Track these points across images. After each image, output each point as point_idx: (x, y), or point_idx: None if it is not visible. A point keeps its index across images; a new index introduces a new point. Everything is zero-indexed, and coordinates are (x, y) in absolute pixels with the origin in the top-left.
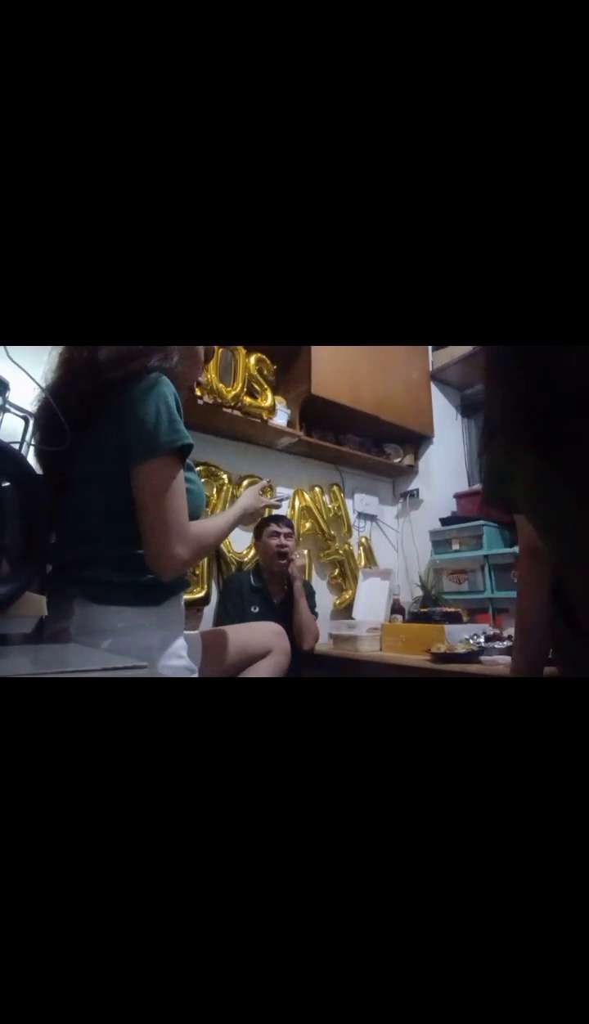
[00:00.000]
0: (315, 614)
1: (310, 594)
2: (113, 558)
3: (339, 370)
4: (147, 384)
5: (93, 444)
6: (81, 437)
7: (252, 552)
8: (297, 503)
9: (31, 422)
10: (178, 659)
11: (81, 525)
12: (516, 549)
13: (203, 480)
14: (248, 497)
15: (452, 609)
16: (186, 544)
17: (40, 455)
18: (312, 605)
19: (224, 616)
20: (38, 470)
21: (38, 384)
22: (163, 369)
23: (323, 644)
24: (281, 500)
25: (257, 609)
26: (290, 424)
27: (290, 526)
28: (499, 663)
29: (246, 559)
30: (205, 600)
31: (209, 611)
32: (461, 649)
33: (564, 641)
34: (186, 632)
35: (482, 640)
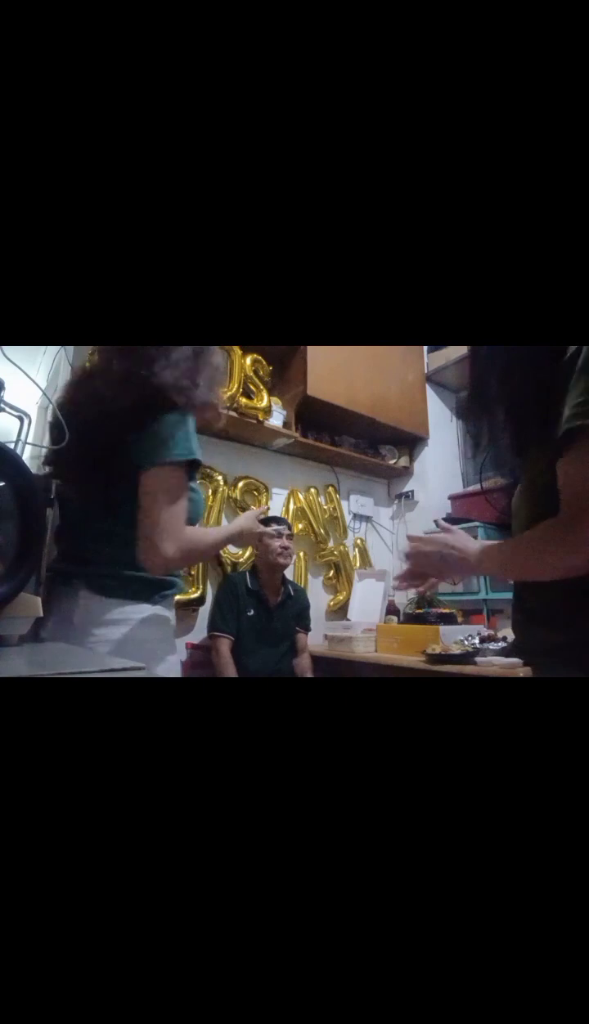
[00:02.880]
0: (308, 629)
1: (305, 607)
2: (121, 558)
3: (335, 371)
4: (169, 407)
5: (116, 457)
6: (105, 450)
7: (248, 553)
8: (291, 504)
9: (27, 422)
10: (171, 655)
11: (96, 526)
12: None
13: (198, 481)
14: (245, 520)
15: (447, 610)
16: (176, 544)
17: (48, 459)
18: (306, 620)
19: (218, 617)
20: (35, 471)
21: (37, 385)
22: (185, 396)
23: (318, 645)
24: (278, 531)
25: (252, 611)
26: (286, 425)
27: (290, 527)
28: (494, 664)
29: (241, 560)
30: (200, 600)
31: (204, 611)
32: (456, 650)
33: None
34: None
35: (477, 641)
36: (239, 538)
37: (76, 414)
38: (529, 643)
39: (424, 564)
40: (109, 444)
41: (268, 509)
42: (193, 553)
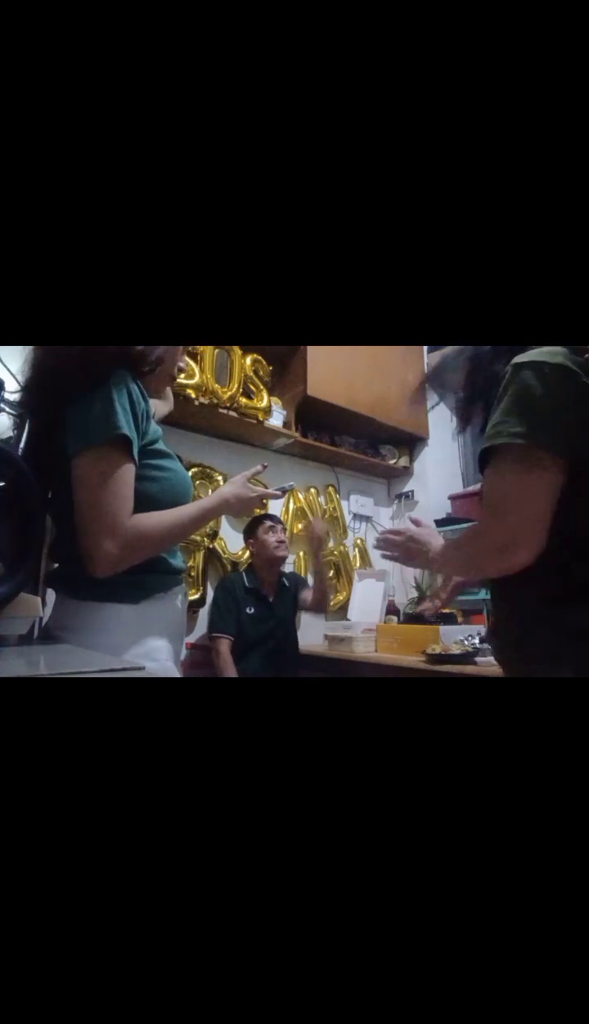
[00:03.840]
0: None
1: (302, 585)
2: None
3: (335, 372)
4: (97, 382)
5: (56, 448)
6: (57, 439)
7: (247, 553)
8: (291, 504)
9: (27, 421)
10: (151, 661)
11: (63, 523)
12: None
13: (198, 481)
14: (232, 486)
15: (447, 610)
16: (117, 540)
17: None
18: (306, 586)
19: (217, 617)
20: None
21: (20, 384)
22: (125, 367)
23: (318, 645)
24: (283, 489)
25: (253, 609)
26: (286, 425)
27: (283, 523)
28: (494, 664)
29: (241, 560)
30: (200, 602)
31: (204, 612)
32: (456, 650)
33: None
34: None
35: (477, 641)
36: (226, 507)
37: (33, 411)
38: (499, 641)
39: (391, 551)
40: (52, 436)
41: (261, 469)
42: (145, 546)
